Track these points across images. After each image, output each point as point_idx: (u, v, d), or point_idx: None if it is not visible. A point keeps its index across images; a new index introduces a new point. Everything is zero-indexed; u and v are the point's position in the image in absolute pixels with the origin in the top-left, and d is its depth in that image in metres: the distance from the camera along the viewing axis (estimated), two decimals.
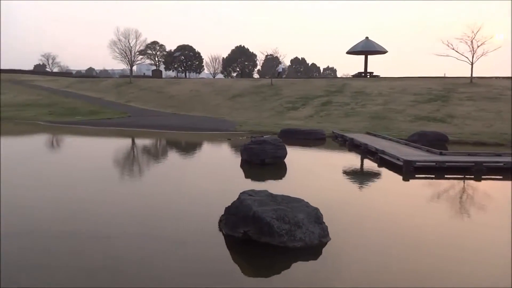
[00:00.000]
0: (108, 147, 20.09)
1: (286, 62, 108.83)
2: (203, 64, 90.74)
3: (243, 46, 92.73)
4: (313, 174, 13.53)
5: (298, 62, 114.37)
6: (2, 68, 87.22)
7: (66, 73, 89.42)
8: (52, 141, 22.50)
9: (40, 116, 32.54)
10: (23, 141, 22.89)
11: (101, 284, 5.52)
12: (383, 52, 53.90)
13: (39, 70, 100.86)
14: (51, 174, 12.91)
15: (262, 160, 13.77)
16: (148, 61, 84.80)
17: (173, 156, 18.08)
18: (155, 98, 42.14)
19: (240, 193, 7.28)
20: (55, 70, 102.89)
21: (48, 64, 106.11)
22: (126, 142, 22.24)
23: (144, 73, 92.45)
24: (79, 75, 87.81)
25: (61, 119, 31.17)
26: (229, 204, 7.39)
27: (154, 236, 7.27)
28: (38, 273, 5.81)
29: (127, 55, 55.81)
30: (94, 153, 17.78)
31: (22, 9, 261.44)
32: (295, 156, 16.55)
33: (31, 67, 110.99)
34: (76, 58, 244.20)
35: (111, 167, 14.75)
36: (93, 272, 5.87)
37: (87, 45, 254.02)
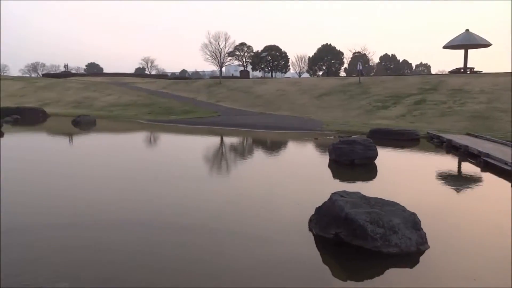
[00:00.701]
0: (198, 145, 21.17)
1: (375, 59, 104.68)
2: (289, 63, 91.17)
3: (330, 44, 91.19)
4: (407, 177, 12.81)
5: (387, 59, 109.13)
6: (108, 72, 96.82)
7: (162, 75, 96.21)
8: (150, 138, 24.35)
9: (141, 115, 35.45)
10: (126, 137, 25.15)
11: (190, 275, 5.82)
12: (486, 45, 49.02)
13: (139, 73, 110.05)
14: (148, 169, 13.96)
15: (352, 160, 13.40)
16: (236, 62, 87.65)
17: (260, 154, 18.43)
18: (243, 98, 43.38)
19: (332, 194, 7.16)
20: (153, 72, 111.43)
21: (147, 67, 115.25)
22: (215, 140, 23.24)
23: (232, 74, 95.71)
24: (173, 77, 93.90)
25: (158, 117, 33.63)
26: (320, 204, 7.32)
27: (243, 233, 7.47)
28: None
29: (217, 57, 58.32)
30: (186, 151, 18.87)
31: (126, 15, 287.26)
32: (386, 157, 15.82)
33: (132, 71, 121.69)
34: (170, 61, 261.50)
35: (201, 164, 15.51)
36: (192, 263, 6.23)
37: (180, 48, 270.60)
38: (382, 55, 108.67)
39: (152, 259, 6.31)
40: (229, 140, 23.49)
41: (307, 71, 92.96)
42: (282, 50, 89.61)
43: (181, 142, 22.71)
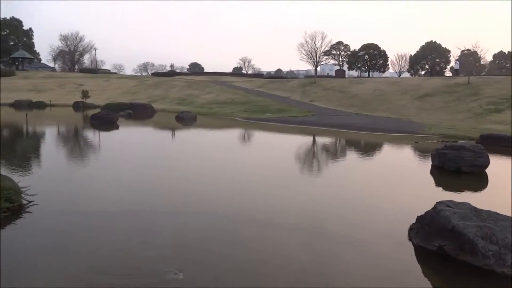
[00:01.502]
0: (291, 144, 21.27)
1: (488, 57, 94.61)
2: (388, 62, 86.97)
3: (434, 41, 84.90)
4: None
5: (502, 57, 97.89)
6: (208, 71, 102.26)
7: (258, 75, 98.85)
8: (245, 135, 25.15)
9: (237, 113, 36.82)
10: (223, 133, 26.35)
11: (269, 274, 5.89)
12: None
13: (236, 72, 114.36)
14: (241, 167, 14.43)
15: (458, 167, 12.32)
16: (332, 61, 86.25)
17: (354, 156, 17.90)
18: (337, 98, 42.56)
19: (437, 203, 6.67)
20: (250, 72, 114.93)
21: (244, 66, 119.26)
22: (308, 140, 23.14)
23: (327, 73, 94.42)
24: (269, 76, 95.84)
25: (254, 115, 34.59)
26: (421, 213, 6.87)
27: (339, 236, 7.33)
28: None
29: (312, 56, 57.94)
30: (278, 148, 19.11)
31: (224, 16, 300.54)
32: (500, 166, 14.27)
33: (230, 70, 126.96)
34: (266, 61, 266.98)
35: (294, 164, 15.57)
36: (286, 262, 6.32)
37: (276, 48, 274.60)
38: (496, 52, 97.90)
39: (251, 256, 6.54)
40: (323, 140, 23.22)
41: (408, 71, 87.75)
42: (381, 49, 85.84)
43: (275, 140, 23.06)
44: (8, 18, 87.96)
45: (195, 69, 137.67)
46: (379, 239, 7.12)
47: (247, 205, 9.18)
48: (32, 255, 6.36)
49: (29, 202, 8.60)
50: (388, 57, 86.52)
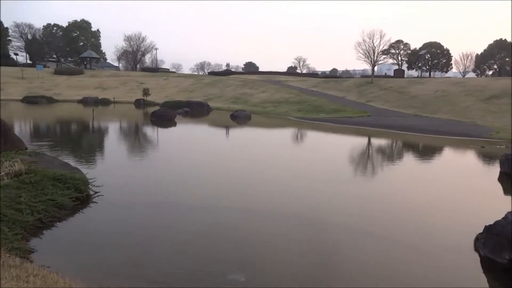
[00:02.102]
0: (346, 145, 20.81)
1: None
2: (451, 62, 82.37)
3: (504, 39, 79.07)
4: None
5: None
6: (263, 70, 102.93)
7: (313, 74, 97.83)
8: (298, 134, 24.98)
9: (291, 112, 36.74)
10: (277, 132, 26.39)
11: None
12: None
13: (291, 71, 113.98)
14: (293, 166, 14.35)
15: None
16: (390, 61, 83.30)
17: (414, 160, 17.14)
18: (395, 98, 41.05)
19: (508, 213, 6.22)
20: (304, 71, 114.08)
21: (299, 66, 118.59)
22: (363, 141, 22.53)
23: (385, 73, 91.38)
24: (324, 75, 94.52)
25: (308, 115, 34.32)
26: (490, 223, 6.44)
27: (399, 242, 7.08)
28: None
29: (370, 55, 56.35)
30: (333, 150, 18.78)
31: (278, 16, 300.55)
32: None
33: (285, 69, 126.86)
34: (321, 60, 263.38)
35: (345, 164, 15.22)
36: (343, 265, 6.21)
37: (332, 47, 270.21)
38: None
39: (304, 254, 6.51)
40: (379, 142, 22.50)
41: (473, 71, 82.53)
42: (444, 47, 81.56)
43: (329, 141, 22.70)
44: (78, 20, 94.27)
45: (250, 68, 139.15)
46: (443, 248, 6.78)
47: (310, 206, 9.12)
48: (97, 240, 6.77)
49: (95, 192, 9.17)
50: (452, 56, 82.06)
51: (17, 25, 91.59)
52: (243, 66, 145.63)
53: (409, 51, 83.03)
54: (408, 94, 41.35)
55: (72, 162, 12.15)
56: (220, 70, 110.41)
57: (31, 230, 6.74)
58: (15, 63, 78.78)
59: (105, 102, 47.73)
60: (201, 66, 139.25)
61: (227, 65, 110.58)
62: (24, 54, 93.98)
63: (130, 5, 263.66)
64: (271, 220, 8.07)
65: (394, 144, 21.80)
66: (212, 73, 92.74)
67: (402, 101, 39.25)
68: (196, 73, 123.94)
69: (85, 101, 46.99)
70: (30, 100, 45.24)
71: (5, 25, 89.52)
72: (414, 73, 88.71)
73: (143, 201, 9.09)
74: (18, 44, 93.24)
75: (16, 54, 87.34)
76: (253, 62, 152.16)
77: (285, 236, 7.22)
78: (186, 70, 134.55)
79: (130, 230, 7.34)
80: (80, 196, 8.57)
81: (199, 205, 8.84)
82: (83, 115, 33.60)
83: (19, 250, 5.80)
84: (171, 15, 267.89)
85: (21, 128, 22.99)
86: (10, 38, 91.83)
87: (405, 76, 74.54)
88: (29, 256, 5.84)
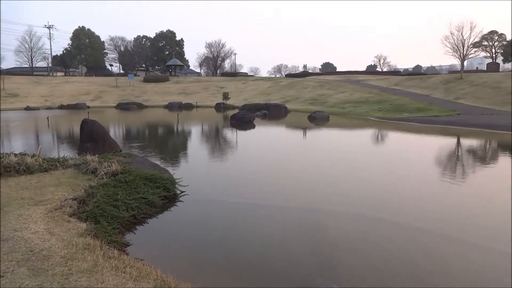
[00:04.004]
0: (430, 146, 19.52)
1: None
2: None
3: None
4: None
5: None
6: (341, 70, 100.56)
7: (394, 72, 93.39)
8: (378, 135, 23.98)
9: (371, 112, 35.47)
10: (357, 133, 25.63)
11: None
12: None
13: (370, 70, 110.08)
14: (377, 168, 13.82)
15: None
16: (482, 54, 76.51)
17: (507, 162, 15.54)
18: (489, 95, 37.57)
19: None
20: (385, 69, 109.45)
21: (379, 64, 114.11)
22: (450, 142, 20.94)
23: (477, 67, 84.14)
24: (406, 73, 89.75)
25: (389, 115, 32.87)
26: None
27: (485, 248, 6.51)
28: None
29: (459, 49, 52.24)
30: (414, 150, 17.74)
31: (355, 16, 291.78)
32: None
33: (364, 68, 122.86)
34: (403, 57, 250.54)
35: (430, 166, 14.28)
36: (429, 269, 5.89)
37: (415, 43, 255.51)
38: None
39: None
40: (468, 142, 20.75)
41: None
42: None
43: (413, 141, 21.47)
44: (164, 31, 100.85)
45: (327, 68, 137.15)
46: None
47: (394, 209, 8.79)
48: (185, 235, 7.20)
49: (182, 192, 9.74)
50: None
51: (112, 39, 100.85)
52: (320, 67, 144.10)
53: (504, 42, 75.45)
54: (504, 90, 37.61)
55: (160, 163, 13.05)
56: (297, 72, 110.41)
57: (126, 225, 7.38)
58: (110, 73, 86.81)
59: (188, 107, 50.42)
60: (278, 68, 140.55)
61: (304, 66, 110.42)
62: (118, 64, 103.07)
63: (207, 13, 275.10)
64: (356, 222, 7.90)
65: (490, 144, 19.96)
66: (289, 75, 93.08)
67: (497, 98, 35.82)
68: (273, 75, 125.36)
69: (170, 106, 50.11)
70: (123, 107, 49.46)
71: (102, 39, 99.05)
72: (510, 66, 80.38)
73: (226, 200, 9.47)
74: (112, 55, 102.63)
75: (111, 65, 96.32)
76: (330, 62, 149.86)
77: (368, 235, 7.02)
78: (263, 73, 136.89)
79: (215, 227, 7.69)
80: (168, 194, 9.17)
81: (287, 206, 8.97)
82: (169, 119, 35.85)
83: (117, 243, 6.38)
84: (247, 19, 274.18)
85: (115, 132, 25.22)
86: (106, 51, 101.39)
87: (500, 70, 67.83)
88: (125, 249, 6.40)
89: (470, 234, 7.24)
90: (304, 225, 7.83)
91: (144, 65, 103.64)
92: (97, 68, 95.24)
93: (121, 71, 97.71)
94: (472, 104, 35.60)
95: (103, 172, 9.55)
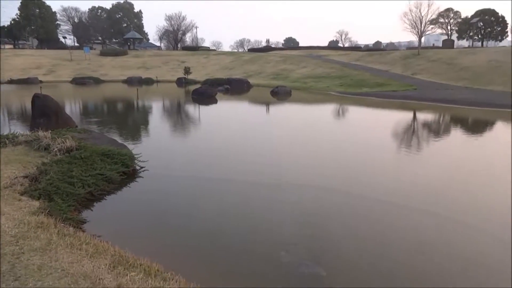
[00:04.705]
0: (390, 120, 20.12)
1: None
2: (507, 30, 76.57)
3: None
4: None
5: None
6: (304, 45, 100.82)
7: (355, 48, 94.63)
8: (339, 110, 24.39)
9: (332, 87, 35.93)
10: (318, 108, 25.94)
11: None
12: None
13: (332, 45, 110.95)
14: (331, 140, 14.09)
15: None
16: (439, 31, 78.81)
17: (463, 135, 16.31)
18: (444, 70, 38.97)
19: None
20: (346, 45, 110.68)
21: (341, 39, 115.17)
22: (407, 116, 21.67)
23: (433, 44, 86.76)
24: (367, 48, 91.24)
25: (350, 90, 33.43)
26: None
27: (455, 222, 6.83)
28: None
29: (416, 26, 53.52)
30: (376, 125, 18.23)
31: None
32: None
33: (326, 43, 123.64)
34: (364, 33, 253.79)
35: (388, 139, 14.74)
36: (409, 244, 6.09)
37: (375, 19, 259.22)
38: None
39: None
40: (424, 116, 21.54)
41: None
42: (499, 14, 75.84)
43: (372, 116, 22.03)
44: (121, 1, 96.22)
45: (290, 44, 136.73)
46: (495, 223, 6.49)
47: (352, 182, 8.99)
48: (144, 211, 7.05)
49: (141, 167, 9.50)
50: (508, 24, 76.20)
51: (64, 9, 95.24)
52: (283, 42, 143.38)
53: (459, 20, 78.14)
54: (458, 66, 39.13)
55: (118, 139, 12.65)
56: (260, 46, 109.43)
57: (82, 202, 7.12)
58: (64, 46, 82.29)
59: (148, 82, 48.93)
60: (241, 43, 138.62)
61: (267, 41, 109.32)
62: (72, 37, 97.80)
63: None
64: (306, 192, 8.04)
65: (444, 118, 20.81)
66: (252, 50, 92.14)
67: (452, 73, 37.24)
68: (236, 50, 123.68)
69: (129, 81, 48.41)
70: (78, 81, 47.23)
71: (53, 10, 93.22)
72: (464, 43, 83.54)
73: (186, 175, 9.34)
74: (66, 27, 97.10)
75: (64, 38, 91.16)
76: (293, 37, 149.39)
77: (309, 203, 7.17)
78: (226, 47, 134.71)
79: (175, 202, 7.58)
80: (127, 170, 8.92)
81: (237, 179, 8.95)
82: (128, 95, 34.69)
83: (72, 220, 6.15)
84: None
85: (71, 108, 24.12)
86: (58, 22, 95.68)
87: (455, 46, 70.39)
88: (81, 226, 6.19)
89: (416, 202, 7.55)
90: (263, 198, 7.87)
91: (100, 38, 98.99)
92: (49, 40, 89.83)
93: (76, 44, 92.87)
94: (428, 80, 36.82)
95: (56, 149, 9.12)
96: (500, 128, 17.67)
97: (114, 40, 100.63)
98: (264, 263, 5.29)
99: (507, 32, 76.93)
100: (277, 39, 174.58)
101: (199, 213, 7.07)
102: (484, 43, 76.43)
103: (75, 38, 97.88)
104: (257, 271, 5.10)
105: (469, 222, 6.60)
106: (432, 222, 6.69)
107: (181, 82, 46.21)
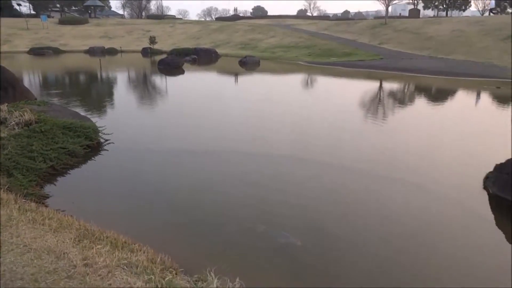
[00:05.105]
0: (357, 89, 20.41)
1: None
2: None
3: None
4: None
5: None
6: (272, 14, 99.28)
7: (324, 17, 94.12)
8: (308, 80, 24.50)
9: (301, 57, 35.86)
10: (287, 78, 25.92)
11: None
12: None
13: (301, 14, 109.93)
14: (307, 108, 14.21)
15: None
16: (405, 0, 79.34)
17: (426, 103, 16.79)
18: (410, 40, 39.56)
19: None
20: (315, 14, 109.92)
21: (309, 8, 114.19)
22: (374, 85, 22.05)
23: (400, 14, 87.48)
24: (335, 18, 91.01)
25: (318, 59, 33.50)
26: (502, 162, 6.38)
27: (405, 181, 7.09)
28: None
29: None
30: (342, 94, 18.47)
31: None
32: None
33: (294, 12, 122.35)
34: (333, 2, 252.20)
35: (355, 109, 15.01)
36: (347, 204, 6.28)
37: None
38: None
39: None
40: (389, 85, 21.98)
41: (491, 10, 78.32)
42: None
43: (339, 85, 22.27)
44: None
45: (259, 12, 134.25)
46: (450, 186, 6.80)
47: (316, 149, 9.12)
48: (109, 185, 6.93)
49: (106, 140, 9.26)
50: None
51: None
52: (251, 11, 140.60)
53: None
54: (423, 35, 39.78)
55: (81, 111, 12.21)
56: (228, 15, 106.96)
57: (45, 177, 6.90)
58: (19, 14, 77.31)
59: (111, 52, 47.10)
60: (208, 12, 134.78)
61: (235, 10, 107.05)
62: (27, 4, 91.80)
63: None
64: (270, 161, 8.13)
65: (408, 87, 21.29)
66: (220, 19, 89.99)
67: (417, 43, 37.86)
68: (203, 19, 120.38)
69: (91, 51, 46.41)
70: (36, 52, 44.84)
71: None
72: (430, 12, 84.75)
73: (152, 147, 9.18)
74: None
75: (19, 5, 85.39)
76: (261, 6, 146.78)
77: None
78: (193, 16, 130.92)
79: (140, 175, 7.47)
80: (91, 143, 8.68)
81: (208, 150, 8.91)
82: (90, 66, 33.34)
83: (34, 195, 5.97)
84: None
85: (29, 80, 22.97)
86: None
87: (420, 16, 71.32)
88: (44, 201, 6.02)
89: (380, 168, 7.79)
90: (230, 167, 7.89)
91: (58, 6, 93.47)
92: (2, 8, 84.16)
93: (32, 12, 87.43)
94: (395, 49, 37.31)
95: (14, 122, 8.69)
96: (461, 96, 18.29)
97: (73, 8, 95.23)
98: (234, 232, 5.36)
99: (470, 2, 78.39)
100: (245, 7, 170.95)
101: (166, 185, 7.02)
102: (449, 12, 77.80)
103: (31, 6, 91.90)
104: (224, 239, 5.16)
105: (429, 187, 6.87)
106: (394, 187, 6.93)
107: (146, 52, 44.77)
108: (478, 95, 17.67)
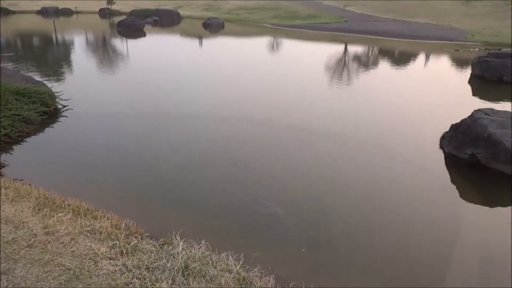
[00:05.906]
0: (321, 52, 20.42)
1: None
2: None
3: None
4: None
5: None
6: None
7: None
8: (273, 43, 24.18)
9: (266, 19, 35.20)
10: (251, 41, 25.47)
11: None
12: None
13: None
14: (270, 73, 14.12)
15: (500, 77, 11.62)
16: None
17: (388, 65, 17.07)
18: (374, 3, 39.58)
19: (474, 111, 6.40)
20: None
21: None
22: (339, 48, 22.12)
23: None
24: None
25: (283, 22, 33.01)
26: (457, 122, 6.65)
27: (370, 144, 7.29)
28: None
29: None
30: (308, 57, 18.44)
31: None
32: None
33: None
34: None
35: (320, 72, 15.08)
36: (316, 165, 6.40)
37: None
38: None
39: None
40: (354, 48, 22.12)
41: None
42: None
43: (305, 48, 22.16)
44: None
45: None
46: (407, 146, 7.06)
47: (279, 112, 9.14)
48: (68, 152, 6.70)
49: (64, 106, 8.87)
50: None
51: None
52: None
53: None
54: None
55: (36, 76, 11.57)
56: None
57: None
58: None
59: (66, 13, 44.34)
60: None
61: None
62: None
63: None
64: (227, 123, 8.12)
65: (371, 50, 21.51)
66: None
67: (381, 6, 37.95)
68: None
69: (44, 12, 43.48)
70: None
71: None
72: None
73: (112, 112, 8.90)
74: None
75: None
76: None
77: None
78: None
79: (100, 141, 7.25)
80: (48, 110, 8.29)
81: (170, 114, 8.75)
82: (44, 28, 31.33)
83: None
84: None
85: None
86: None
87: None
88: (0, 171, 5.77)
89: (346, 130, 7.96)
90: (190, 131, 7.81)
91: None
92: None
93: None
94: (359, 12, 37.29)
95: None
96: (422, 59, 18.70)
97: None
98: (194, 194, 5.37)
99: None
100: None
101: (126, 151, 6.87)
102: None
103: None
104: (186, 201, 5.17)
105: (390, 146, 7.10)
106: (357, 147, 7.11)
107: (104, 13, 42.49)
108: (427, 57, 18.19)
